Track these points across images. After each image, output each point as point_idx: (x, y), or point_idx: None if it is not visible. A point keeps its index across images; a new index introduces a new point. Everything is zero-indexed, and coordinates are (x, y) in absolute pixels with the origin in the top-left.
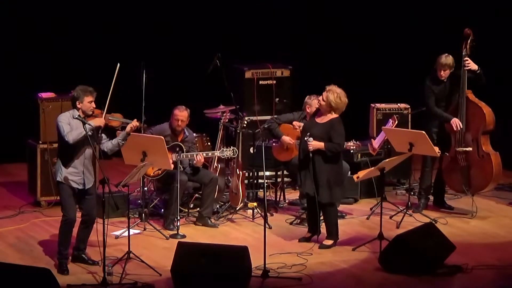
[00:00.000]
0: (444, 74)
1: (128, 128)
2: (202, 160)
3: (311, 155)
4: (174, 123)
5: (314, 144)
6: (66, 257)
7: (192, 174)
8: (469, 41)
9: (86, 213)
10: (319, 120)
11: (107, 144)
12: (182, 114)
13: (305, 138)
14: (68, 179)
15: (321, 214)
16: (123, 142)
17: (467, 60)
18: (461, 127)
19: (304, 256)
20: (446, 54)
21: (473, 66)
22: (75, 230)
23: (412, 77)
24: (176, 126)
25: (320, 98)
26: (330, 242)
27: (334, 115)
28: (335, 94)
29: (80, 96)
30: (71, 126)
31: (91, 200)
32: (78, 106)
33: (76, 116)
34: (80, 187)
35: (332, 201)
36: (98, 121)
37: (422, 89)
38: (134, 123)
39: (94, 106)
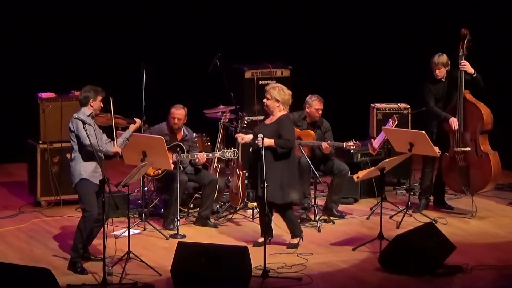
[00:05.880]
0: (440, 72)
1: (132, 127)
2: (204, 159)
3: (262, 152)
4: (170, 121)
5: (263, 140)
6: (81, 256)
7: (193, 174)
8: (465, 41)
9: (101, 211)
10: (268, 121)
11: (110, 145)
12: (178, 112)
13: (256, 141)
14: (90, 175)
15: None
16: (127, 140)
17: (463, 62)
18: (458, 126)
19: (304, 256)
20: (439, 53)
21: (469, 69)
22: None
23: (412, 77)
24: (173, 124)
25: (264, 101)
26: (296, 240)
27: (283, 112)
28: (276, 89)
29: (94, 96)
30: (92, 125)
31: (105, 198)
32: (91, 104)
33: (76, 116)
34: (97, 184)
35: (285, 201)
36: (115, 149)
37: (421, 89)
38: (138, 123)
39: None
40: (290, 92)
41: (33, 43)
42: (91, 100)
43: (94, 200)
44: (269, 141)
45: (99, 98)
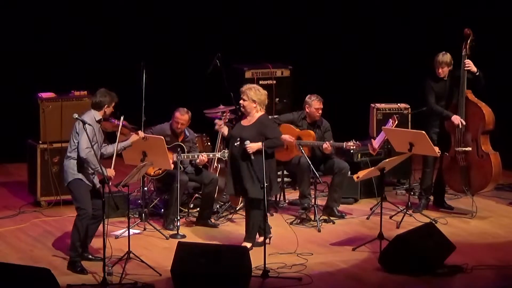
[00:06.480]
0: (443, 71)
1: (134, 137)
2: (206, 160)
3: (252, 157)
4: (174, 125)
5: (252, 146)
6: (80, 255)
7: (194, 174)
8: (469, 41)
9: (97, 207)
10: (246, 123)
11: (107, 148)
12: (182, 117)
13: (236, 144)
14: (82, 175)
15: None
16: (124, 149)
17: (467, 61)
18: (464, 124)
19: (304, 256)
20: (444, 52)
21: (473, 68)
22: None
23: (412, 77)
24: (176, 128)
25: (240, 102)
26: (248, 244)
27: (260, 112)
28: (253, 90)
29: (110, 102)
30: (94, 130)
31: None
32: (106, 110)
33: (76, 117)
34: (90, 185)
35: (275, 193)
36: (111, 173)
37: (422, 87)
38: (141, 134)
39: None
40: (266, 92)
41: (34, 43)
42: (105, 106)
43: (88, 198)
44: (256, 146)
45: (113, 104)
